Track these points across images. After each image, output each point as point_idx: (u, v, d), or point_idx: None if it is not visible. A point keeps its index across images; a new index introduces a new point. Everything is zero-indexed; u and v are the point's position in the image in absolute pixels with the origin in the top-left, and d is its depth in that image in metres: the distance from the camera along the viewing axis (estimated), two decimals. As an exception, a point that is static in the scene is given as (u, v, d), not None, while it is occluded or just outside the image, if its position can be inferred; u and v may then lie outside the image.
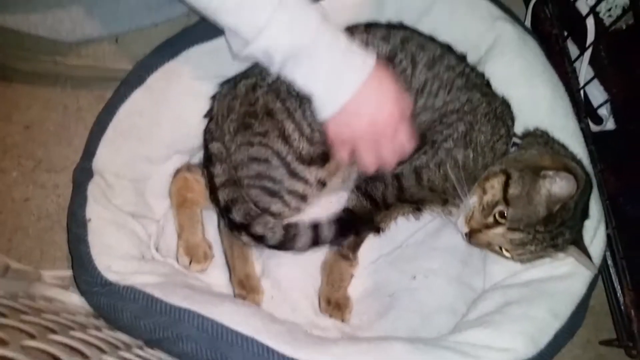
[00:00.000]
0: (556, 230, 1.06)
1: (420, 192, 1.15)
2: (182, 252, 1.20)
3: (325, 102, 0.98)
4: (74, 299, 1.15)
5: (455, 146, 1.12)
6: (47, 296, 1.12)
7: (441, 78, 1.15)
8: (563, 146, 1.17)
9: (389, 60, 1.14)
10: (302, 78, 0.97)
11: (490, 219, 1.08)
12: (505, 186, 1.06)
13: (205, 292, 1.14)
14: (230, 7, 0.92)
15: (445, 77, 1.16)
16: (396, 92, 1.01)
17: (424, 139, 1.15)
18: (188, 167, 1.25)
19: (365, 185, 1.18)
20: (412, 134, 1.06)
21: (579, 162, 1.14)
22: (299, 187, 1.15)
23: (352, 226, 1.17)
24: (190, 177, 1.23)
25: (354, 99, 0.96)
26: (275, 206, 1.15)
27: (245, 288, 1.19)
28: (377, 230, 1.22)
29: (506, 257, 1.12)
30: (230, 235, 1.19)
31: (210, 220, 1.25)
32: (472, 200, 1.11)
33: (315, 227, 1.13)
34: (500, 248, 1.11)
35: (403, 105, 1.03)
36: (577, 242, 1.10)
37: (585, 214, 1.12)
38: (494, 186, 1.08)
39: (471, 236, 1.11)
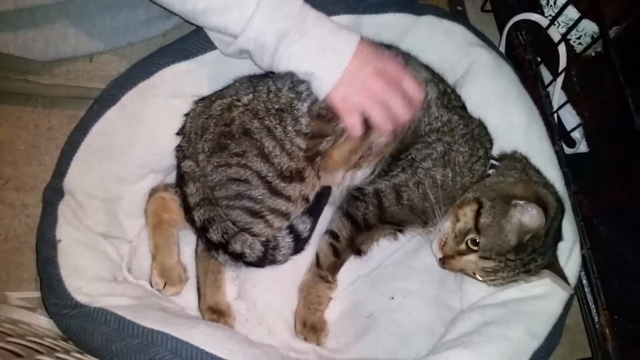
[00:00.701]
0: (527, 258, 1.07)
1: (400, 212, 1.15)
2: (157, 274, 1.17)
3: (325, 74, 1.03)
4: (42, 322, 1.12)
5: (434, 166, 1.13)
6: (13, 319, 1.08)
7: (427, 92, 1.16)
8: (538, 172, 1.18)
9: None
10: (296, 57, 1.02)
11: (463, 246, 1.09)
12: (477, 215, 1.07)
13: (179, 315, 1.12)
14: (216, 6, 0.97)
15: (431, 93, 1.17)
16: (388, 54, 1.06)
17: (407, 153, 1.15)
18: (165, 187, 1.23)
19: (347, 205, 1.17)
20: (417, 83, 1.09)
21: (552, 189, 1.15)
22: (282, 205, 1.14)
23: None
24: (168, 197, 1.21)
25: (352, 64, 1.02)
26: (258, 227, 1.14)
27: (215, 313, 1.17)
28: (358, 252, 1.21)
29: (479, 281, 1.13)
30: (207, 261, 1.18)
31: (185, 240, 1.23)
32: (446, 226, 1.12)
33: (292, 228, 1.14)
34: (474, 272, 1.11)
35: (397, 61, 1.07)
36: (552, 265, 1.11)
37: (558, 237, 1.13)
38: (467, 214, 1.09)
39: (444, 262, 1.12)
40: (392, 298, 1.24)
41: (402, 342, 1.20)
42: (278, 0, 0.99)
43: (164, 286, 1.17)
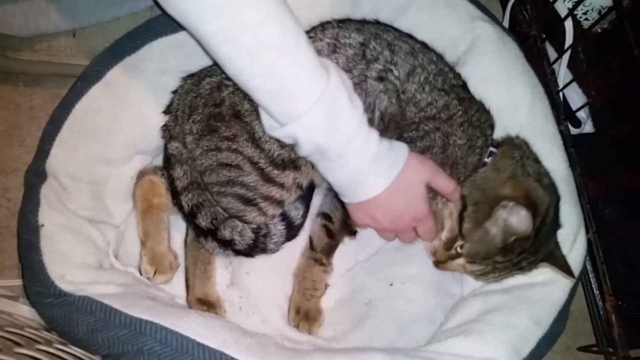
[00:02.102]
0: (517, 259, 1.04)
1: None
2: (147, 261, 1.13)
3: (344, 195, 1.01)
4: (24, 311, 1.10)
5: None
6: (-7, 308, 1.04)
7: (426, 69, 1.10)
8: (537, 160, 1.12)
9: (362, 46, 1.08)
10: (324, 170, 0.98)
11: (453, 251, 1.07)
12: (462, 217, 1.05)
13: (169, 304, 1.08)
14: (269, 90, 0.88)
15: (430, 69, 1.10)
16: (421, 193, 1.00)
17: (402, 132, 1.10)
18: (154, 169, 1.18)
19: None
20: (433, 229, 1.06)
21: (546, 179, 1.09)
22: (275, 192, 1.09)
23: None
24: (157, 180, 1.16)
25: (374, 200, 0.97)
26: (250, 215, 1.10)
27: (204, 304, 1.13)
28: (353, 233, 1.17)
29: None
30: (197, 251, 1.14)
31: (176, 226, 1.19)
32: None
33: (284, 215, 1.10)
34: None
35: (424, 206, 1.02)
36: (552, 255, 1.07)
37: (555, 226, 1.08)
38: (452, 213, 1.07)
39: (437, 265, 1.11)
40: (391, 284, 1.20)
41: (401, 329, 1.17)
42: (333, 111, 0.89)
43: (154, 274, 1.13)
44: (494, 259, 1.03)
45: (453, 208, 1.07)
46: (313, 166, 1.09)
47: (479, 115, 1.12)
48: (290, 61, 0.85)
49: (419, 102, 1.08)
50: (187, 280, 1.16)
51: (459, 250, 1.06)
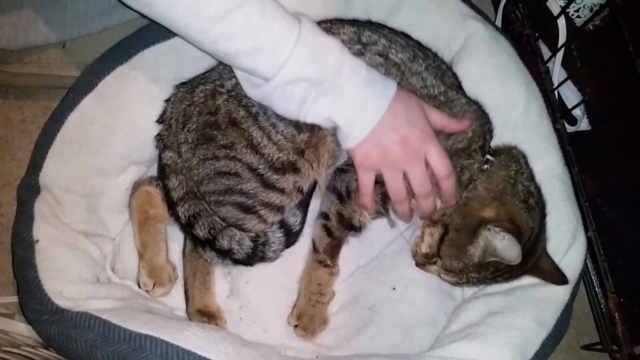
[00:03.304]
0: (491, 276, 1.05)
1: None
2: (145, 274, 1.12)
3: (351, 131, 0.97)
4: (21, 328, 1.08)
5: None
6: (-12, 327, 1.02)
7: (426, 60, 1.10)
8: (530, 178, 1.10)
9: (356, 34, 1.09)
10: (325, 109, 0.96)
11: (433, 258, 1.08)
12: (441, 241, 1.05)
13: (168, 317, 1.06)
14: (249, 48, 0.91)
15: (428, 62, 1.10)
16: (422, 114, 0.99)
17: None
18: (149, 180, 1.17)
19: (333, 180, 1.12)
20: (444, 154, 1.01)
21: (533, 203, 1.07)
22: (276, 198, 1.08)
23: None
24: (152, 191, 1.14)
25: (379, 125, 0.95)
26: (250, 223, 1.09)
27: (205, 316, 1.12)
28: (352, 227, 1.13)
29: None
30: (195, 261, 1.13)
31: (174, 237, 1.17)
32: (417, 237, 1.12)
33: (282, 222, 1.10)
34: None
35: (428, 126, 1.00)
36: (536, 269, 1.07)
37: (541, 243, 1.08)
38: (433, 234, 1.07)
39: (417, 265, 1.12)
40: (394, 288, 1.19)
41: (404, 334, 1.16)
42: (315, 46, 0.93)
43: (153, 286, 1.12)
44: (467, 275, 1.05)
45: (435, 230, 1.07)
46: (313, 167, 1.09)
47: (478, 115, 1.11)
48: (261, 14, 0.89)
49: (425, 80, 1.08)
50: (186, 291, 1.14)
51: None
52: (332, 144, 1.08)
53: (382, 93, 0.96)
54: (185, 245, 1.15)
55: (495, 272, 1.04)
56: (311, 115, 0.96)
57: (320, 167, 1.11)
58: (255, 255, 1.09)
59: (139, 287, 1.12)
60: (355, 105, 0.95)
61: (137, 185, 1.16)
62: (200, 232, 1.07)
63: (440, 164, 0.99)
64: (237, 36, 0.90)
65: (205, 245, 1.07)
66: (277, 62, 0.91)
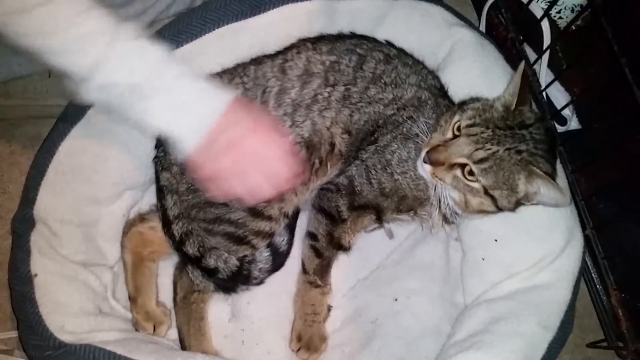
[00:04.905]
0: (519, 132, 0.97)
1: (372, 196, 1.09)
2: (142, 320, 1.12)
3: (184, 136, 0.89)
4: None
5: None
6: (-12, 365, 1.00)
7: (398, 71, 1.12)
8: None
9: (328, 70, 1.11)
10: (153, 116, 0.89)
11: (449, 134, 1.00)
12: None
13: (171, 347, 1.06)
14: (55, 47, 0.85)
15: (403, 72, 1.12)
16: (262, 120, 0.94)
17: (374, 133, 1.10)
18: (140, 218, 1.17)
19: (319, 200, 1.12)
20: (292, 153, 0.96)
21: None
22: (265, 225, 1.09)
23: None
24: (145, 230, 1.15)
25: (216, 128, 0.89)
26: (244, 253, 1.10)
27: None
28: (340, 247, 1.12)
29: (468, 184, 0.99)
30: (188, 308, 1.12)
31: (164, 272, 1.17)
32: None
33: (269, 243, 1.10)
34: (463, 186, 1.00)
35: (271, 131, 0.95)
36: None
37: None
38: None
39: (434, 171, 1.00)
40: (396, 300, 1.19)
41: (409, 346, 1.15)
42: (131, 51, 0.86)
43: (154, 329, 1.11)
44: (494, 123, 0.97)
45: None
46: (296, 194, 1.10)
47: None
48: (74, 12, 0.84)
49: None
50: (181, 340, 1.12)
51: (455, 131, 0.99)
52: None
53: (215, 98, 0.91)
54: (175, 292, 1.14)
55: (522, 127, 0.97)
56: (138, 120, 0.90)
57: (305, 191, 1.12)
58: (240, 274, 1.08)
59: (137, 330, 1.11)
60: (185, 111, 0.89)
61: (128, 227, 1.15)
62: (190, 249, 1.08)
63: (281, 164, 0.95)
64: (52, 34, 0.84)
65: (193, 263, 1.08)
66: (86, 63, 0.84)
